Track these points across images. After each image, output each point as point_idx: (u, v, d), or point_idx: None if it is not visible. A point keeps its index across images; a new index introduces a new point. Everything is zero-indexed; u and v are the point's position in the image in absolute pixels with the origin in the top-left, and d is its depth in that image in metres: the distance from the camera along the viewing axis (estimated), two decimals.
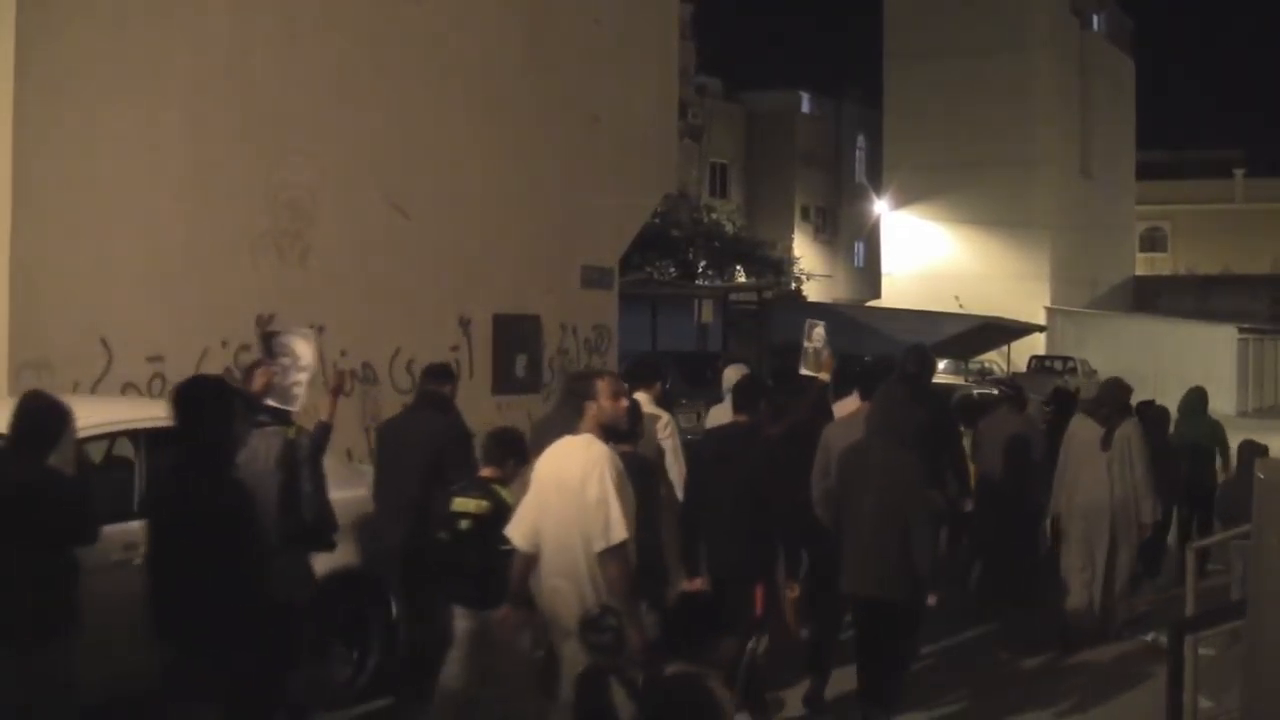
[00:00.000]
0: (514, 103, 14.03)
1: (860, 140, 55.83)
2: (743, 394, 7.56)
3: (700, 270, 36.89)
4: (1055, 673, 9.09)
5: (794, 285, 42.02)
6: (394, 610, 7.91)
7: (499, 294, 13.90)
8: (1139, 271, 58.81)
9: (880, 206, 51.34)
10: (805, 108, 53.52)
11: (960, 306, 39.98)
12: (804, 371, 9.31)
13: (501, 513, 6.16)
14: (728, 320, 31.68)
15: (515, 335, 14.02)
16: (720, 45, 58.50)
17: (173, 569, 5.22)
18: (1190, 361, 35.44)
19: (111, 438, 7.37)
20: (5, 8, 9.67)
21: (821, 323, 9.88)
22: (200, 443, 5.32)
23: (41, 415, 5.50)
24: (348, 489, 7.92)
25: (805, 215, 52.70)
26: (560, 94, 14.64)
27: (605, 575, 5.47)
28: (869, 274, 53.60)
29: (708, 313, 31.05)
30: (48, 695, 5.27)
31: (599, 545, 5.47)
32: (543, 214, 14.39)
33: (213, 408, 5.38)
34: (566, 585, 5.57)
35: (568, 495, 5.56)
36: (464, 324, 13.49)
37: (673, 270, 35.31)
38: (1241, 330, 42.35)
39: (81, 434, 6.93)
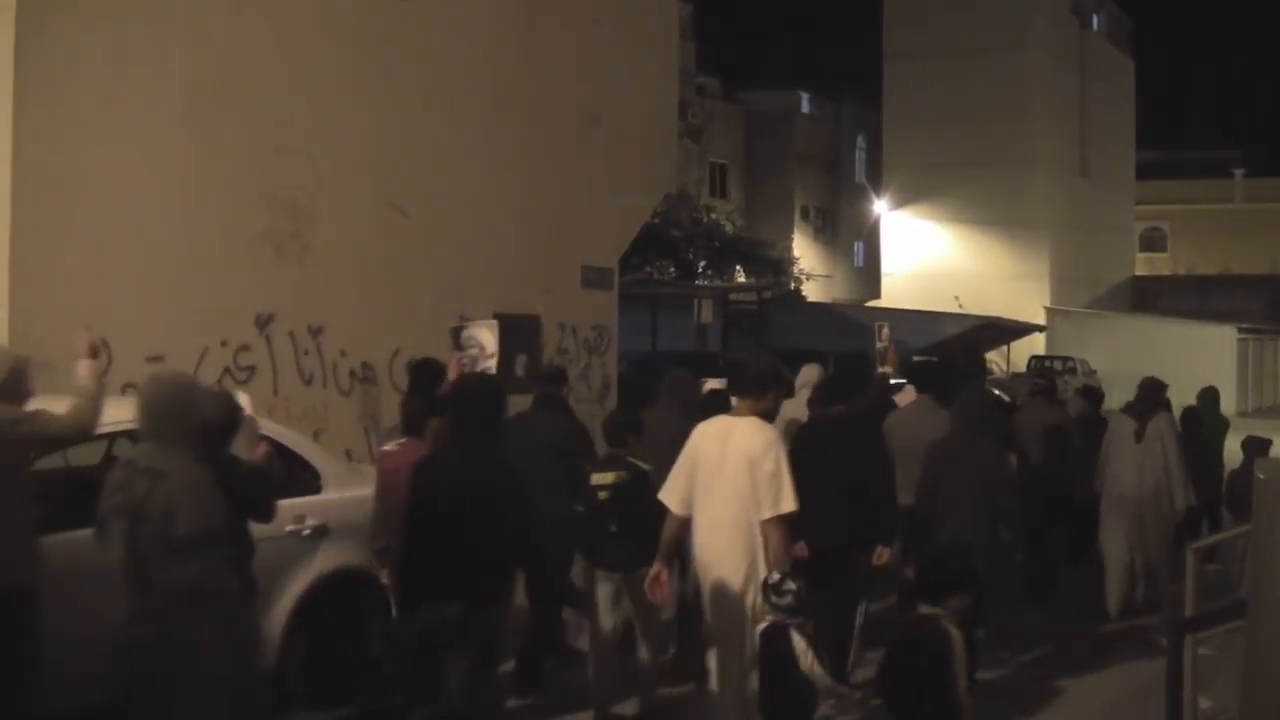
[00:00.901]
0: (513, 102, 14.03)
1: (860, 140, 55.84)
2: (840, 386, 8.44)
3: (700, 270, 36.88)
4: (1055, 672, 9.10)
5: (793, 285, 42.02)
6: (393, 609, 7.92)
7: (498, 294, 13.88)
8: (1138, 271, 58.83)
9: (880, 206, 51.34)
10: (805, 108, 53.53)
11: (960, 306, 39.97)
12: (882, 369, 9.98)
13: (638, 480, 7.17)
14: (727, 320, 31.66)
15: (515, 335, 14.00)
16: (720, 45, 58.55)
17: (456, 538, 5.75)
18: (1189, 361, 35.35)
19: (111, 438, 7.36)
20: (4, 7, 9.66)
21: (887, 323, 10.68)
22: (478, 432, 6.02)
23: (225, 409, 6.08)
24: (350, 489, 7.92)
25: (805, 215, 52.70)
26: (559, 93, 14.63)
27: (769, 539, 6.27)
28: (868, 274, 53.60)
29: (707, 313, 31.03)
30: (246, 655, 5.91)
31: (767, 513, 6.29)
32: (542, 214, 14.39)
33: (494, 406, 6.22)
34: (730, 546, 6.36)
35: (741, 468, 6.36)
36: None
37: (672, 270, 35.30)
38: (1241, 330, 42.34)
39: None
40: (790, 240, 47.32)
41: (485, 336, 8.84)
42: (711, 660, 6.63)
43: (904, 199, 50.25)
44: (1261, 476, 5.18)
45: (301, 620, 7.50)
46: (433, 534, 5.80)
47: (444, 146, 13.23)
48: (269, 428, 7.99)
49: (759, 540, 6.34)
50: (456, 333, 9.14)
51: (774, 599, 5.93)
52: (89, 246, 10.22)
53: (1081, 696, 8.63)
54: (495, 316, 13.74)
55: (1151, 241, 60.94)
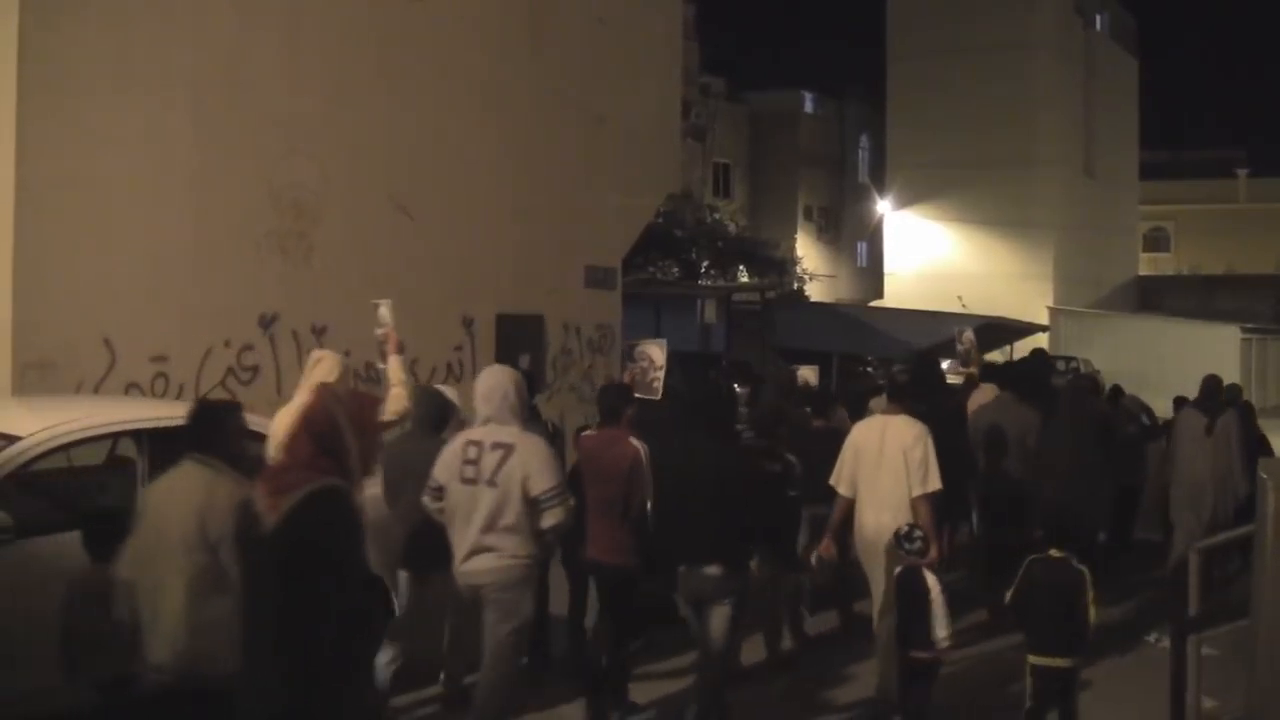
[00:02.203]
0: (518, 103, 14.04)
1: (863, 140, 55.75)
2: (917, 387, 9.22)
3: (703, 270, 36.81)
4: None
5: (797, 285, 41.95)
6: (396, 609, 7.92)
7: (502, 294, 13.90)
8: (1142, 271, 58.73)
9: (883, 206, 51.27)
10: (809, 108, 53.43)
11: (963, 306, 39.89)
12: (964, 369, 11.54)
13: (789, 472, 8.65)
14: (731, 320, 31.63)
15: (518, 335, 14.03)
16: (724, 45, 58.56)
17: (689, 512, 6.82)
18: (1193, 361, 35.15)
19: (115, 438, 7.37)
20: (8, 7, 9.69)
21: (970, 327, 12.22)
22: (720, 424, 7.24)
23: (436, 403, 7.11)
24: None
25: (808, 215, 52.62)
26: (564, 94, 14.65)
27: (920, 511, 7.68)
28: (872, 274, 53.53)
29: (711, 313, 31.03)
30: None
31: (918, 491, 7.74)
32: (546, 214, 14.40)
33: (730, 404, 7.72)
34: (889, 518, 7.71)
35: (897, 456, 7.81)
36: (467, 324, 13.50)
37: (676, 270, 35.23)
38: (1245, 330, 42.24)
39: (84, 434, 6.98)
40: (794, 240, 47.23)
41: (654, 352, 10.17)
42: (876, 608, 8.03)
43: (907, 199, 50.18)
44: (1264, 475, 5.18)
45: None
46: (694, 510, 6.84)
47: (449, 147, 13.24)
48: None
49: (908, 514, 7.69)
50: (630, 348, 10.53)
51: (906, 546, 7.32)
52: (93, 246, 10.24)
53: (1082, 696, 8.62)
54: (499, 316, 13.85)
55: (1155, 241, 60.85)
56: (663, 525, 7.04)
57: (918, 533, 7.36)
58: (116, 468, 7.42)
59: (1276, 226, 56.41)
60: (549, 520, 6.34)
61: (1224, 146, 60.67)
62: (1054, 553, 7.01)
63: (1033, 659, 7.01)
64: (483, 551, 6.34)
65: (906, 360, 19.54)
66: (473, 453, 6.41)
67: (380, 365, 7.62)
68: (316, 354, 7.50)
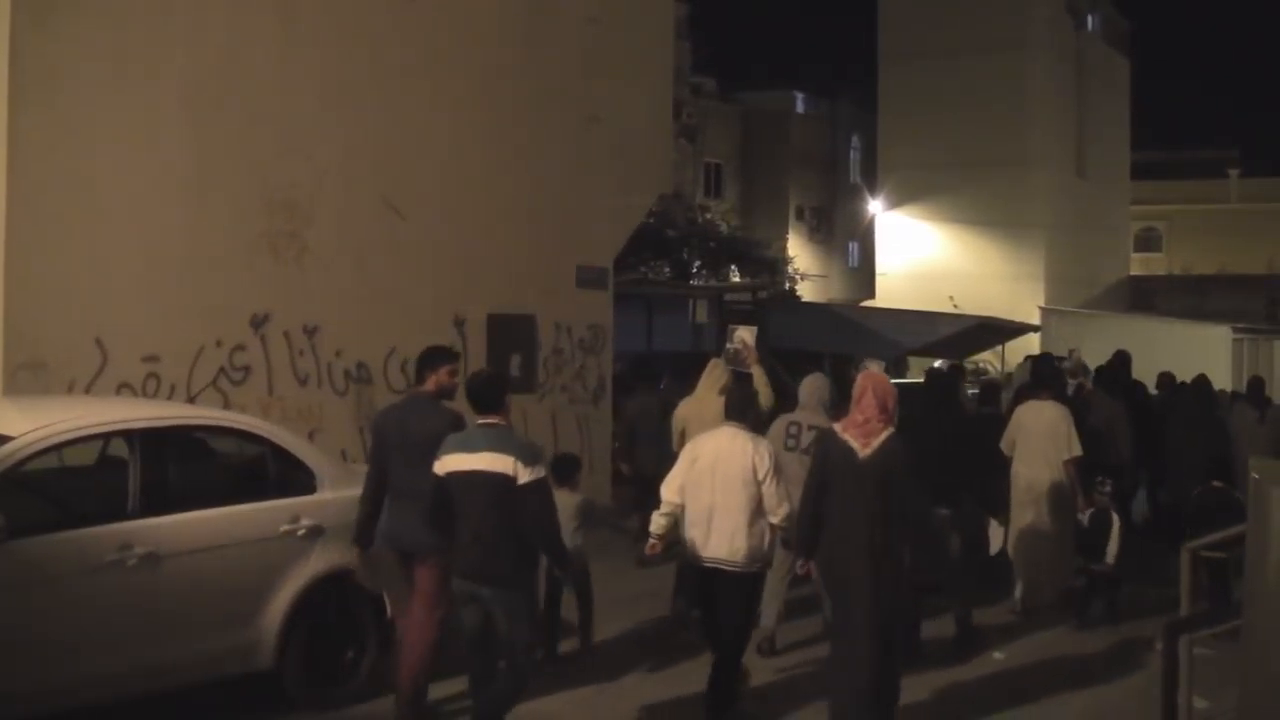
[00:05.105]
0: (509, 102, 14.03)
1: (855, 140, 55.75)
2: (1042, 382, 11.97)
3: (695, 270, 36.80)
4: (1050, 670, 9.11)
5: (789, 285, 41.94)
6: (388, 609, 7.92)
7: (494, 294, 13.89)
8: (1134, 271, 58.78)
9: (875, 206, 51.29)
10: (800, 108, 53.44)
11: (955, 306, 39.91)
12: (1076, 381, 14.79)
13: None
14: (722, 320, 31.61)
15: (510, 335, 14.01)
16: (716, 45, 58.38)
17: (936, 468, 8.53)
18: (1185, 361, 35.08)
19: (106, 438, 7.36)
20: (0, 6, 9.66)
21: (1078, 347, 13.87)
22: (947, 397, 10.52)
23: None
24: (345, 489, 7.92)
25: (800, 215, 52.62)
26: (556, 94, 14.63)
27: (1069, 470, 10.66)
28: (863, 274, 53.55)
29: (702, 313, 30.97)
30: None
31: (1066, 456, 10.58)
32: (538, 214, 14.39)
33: (954, 382, 11.69)
34: (1049, 476, 10.68)
35: (1049, 430, 10.65)
36: (459, 324, 13.48)
37: (668, 270, 35.22)
38: (1236, 330, 42.28)
39: (76, 434, 6.97)
40: (785, 240, 47.26)
41: (746, 335, 11.03)
42: (1032, 568, 10.74)
43: (899, 199, 50.20)
44: (1256, 476, 5.19)
45: (298, 621, 7.50)
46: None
47: (440, 147, 13.23)
48: (262, 428, 8.00)
49: (1055, 472, 10.67)
50: (730, 331, 11.35)
51: (1100, 489, 10.49)
52: (85, 246, 10.22)
53: (1077, 696, 8.64)
54: (490, 316, 13.83)
55: (1147, 241, 60.89)
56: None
57: (1107, 486, 10.52)
58: (108, 468, 7.40)
59: (1268, 227, 56.47)
60: None
61: (1216, 146, 60.69)
62: (1216, 483, 10.54)
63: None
64: None
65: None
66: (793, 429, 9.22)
67: (744, 369, 10.39)
68: (720, 358, 10.78)
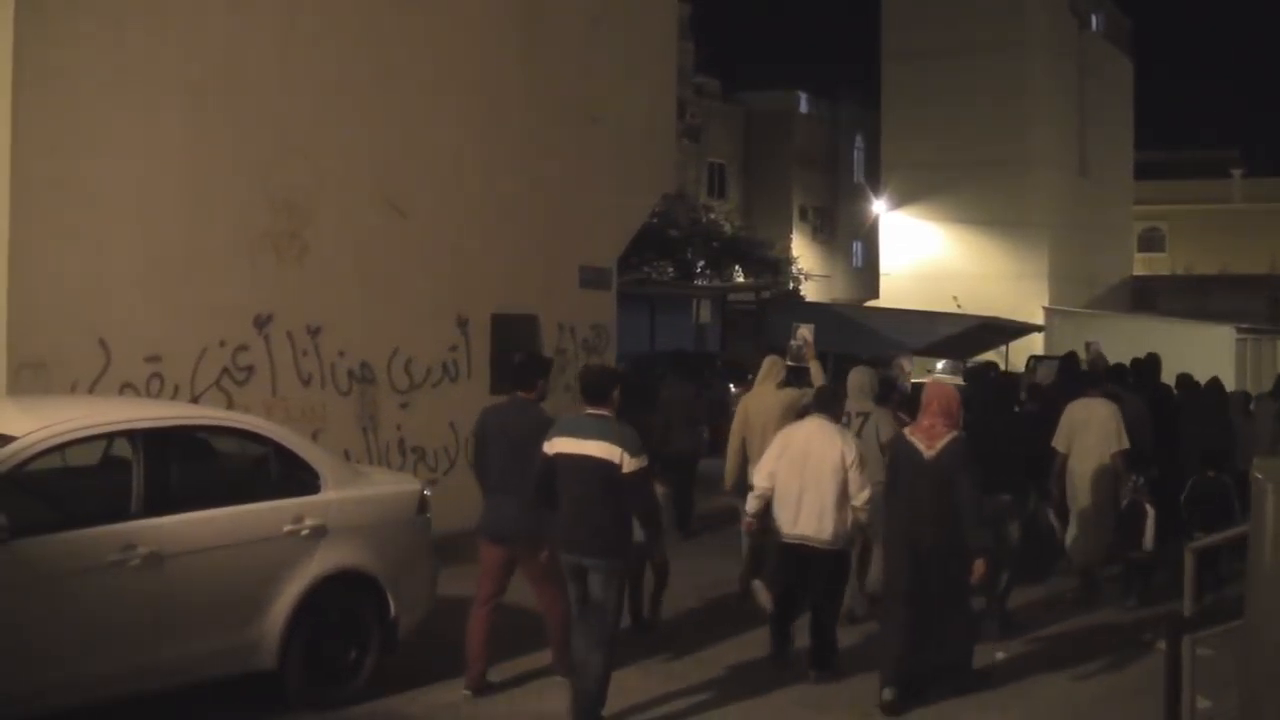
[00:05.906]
0: (512, 102, 14.03)
1: (858, 140, 55.70)
2: (1147, 376, 13.48)
3: (698, 270, 36.81)
4: (1053, 671, 9.10)
5: (792, 285, 41.94)
6: (391, 608, 7.93)
7: (497, 294, 13.89)
8: (1137, 271, 58.72)
9: (878, 206, 51.22)
10: (803, 108, 53.39)
11: (958, 306, 39.88)
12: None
13: None
14: (726, 320, 31.65)
15: (513, 335, 14.00)
16: (719, 45, 58.30)
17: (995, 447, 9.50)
18: (1188, 361, 35.09)
19: (109, 438, 7.36)
20: (3, 8, 9.67)
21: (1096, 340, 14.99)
22: (1002, 389, 11.74)
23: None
24: (348, 489, 7.93)
25: (803, 215, 52.58)
26: (559, 94, 14.63)
27: (1117, 462, 10.98)
28: (867, 274, 53.50)
29: (705, 313, 31.05)
30: None
31: (1115, 448, 10.95)
32: (541, 214, 14.38)
33: (1005, 384, 12.29)
34: (1097, 468, 11.04)
35: (1098, 425, 11.02)
36: (462, 324, 13.49)
37: (671, 270, 35.23)
38: (1239, 330, 42.24)
39: (79, 434, 6.98)
40: (788, 240, 47.21)
41: (805, 332, 11.65)
42: (1082, 539, 11.26)
43: (902, 199, 50.15)
44: (1258, 476, 5.18)
45: (301, 621, 7.51)
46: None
47: (443, 147, 13.24)
48: (266, 427, 8.01)
49: (1111, 466, 11.02)
50: (794, 328, 11.87)
51: (1135, 481, 10.91)
52: (88, 246, 10.23)
53: (1078, 695, 8.63)
54: (493, 316, 13.84)
55: (1150, 241, 60.82)
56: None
57: (1143, 478, 11.05)
58: (111, 468, 7.40)
59: (1271, 227, 56.40)
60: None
61: (1219, 146, 60.63)
62: (1209, 472, 11.24)
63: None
64: None
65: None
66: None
67: (804, 364, 11.44)
68: (772, 357, 11.41)
